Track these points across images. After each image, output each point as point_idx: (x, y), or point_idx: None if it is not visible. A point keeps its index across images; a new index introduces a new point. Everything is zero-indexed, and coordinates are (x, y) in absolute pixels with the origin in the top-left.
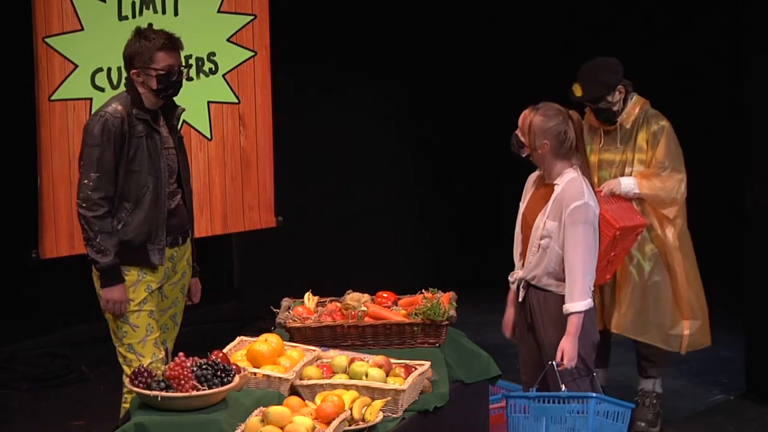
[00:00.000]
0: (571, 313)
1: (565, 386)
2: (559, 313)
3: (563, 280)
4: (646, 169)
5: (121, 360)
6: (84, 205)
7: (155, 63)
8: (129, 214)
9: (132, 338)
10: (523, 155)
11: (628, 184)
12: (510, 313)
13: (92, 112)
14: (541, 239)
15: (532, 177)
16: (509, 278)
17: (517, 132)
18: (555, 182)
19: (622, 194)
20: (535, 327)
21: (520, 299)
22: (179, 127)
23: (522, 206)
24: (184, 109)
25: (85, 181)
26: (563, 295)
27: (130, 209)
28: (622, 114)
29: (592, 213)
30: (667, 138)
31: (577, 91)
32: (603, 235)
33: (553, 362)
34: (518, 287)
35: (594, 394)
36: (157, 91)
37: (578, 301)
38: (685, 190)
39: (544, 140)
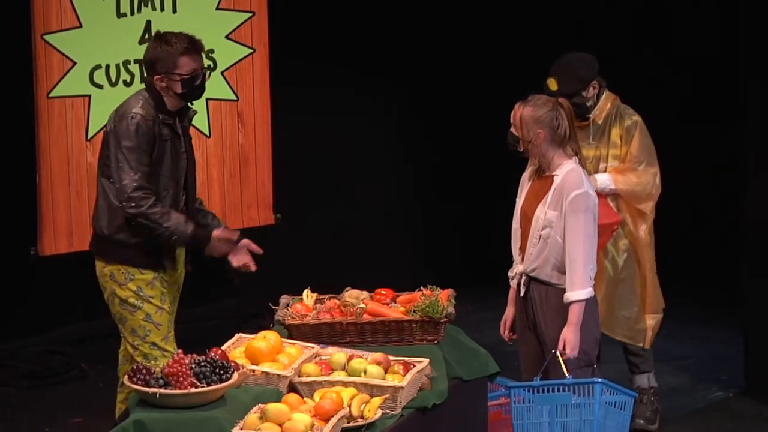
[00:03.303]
0: (573, 302)
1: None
2: (562, 307)
3: (565, 272)
4: (621, 165)
5: (140, 359)
6: (132, 204)
7: (179, 68)
8: None
9: (156, 336)
10: (521, 150)
11: (603, 180)
12: (510, 312)
13: (90, 109)
14: (542, 230)
15: (527, 172)
16: (509, 274)
17: (510, 129)
18: (554, 173)
19: (597, 191)
20: (537, 323)
21: (521, 294)
22: None
23: (519, 201)
24: (196, 111)
25: (126, 181)
26: (563, 289)
27: None
28: (594, 110)
29: (592, 202)
30: (641, 133)
31: (552, 85)
32: None
33: (556, 351)
34: (519, 282)
35: (599, 380)
36: (181, 95)
37: (579, 290)
38: (660, 184)
39: (538, 130)
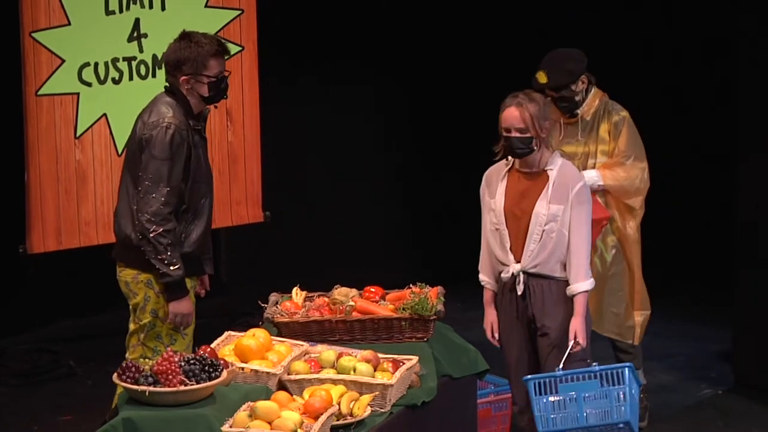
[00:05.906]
0: (578, 293)
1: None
2: (563, 299)
3: (566, 265)
4: (609, 160)
5: None
6: (153, 219)
7: (208, 70)
8: (189, 225)
9: (181, 345)
10: (536, 149)
11: (591, 177)
12: (492, 315)
13: (79, 107)
14: (545, 225)
15: (493, 173)
16: (481, 278)
17: (515, 134)
18: (547, 168)
19: None
20: (536, 317)
21: (519, 293)
22: None
23: (496, 202)
24: (209, 110)
25: (154, 195)
26: (564, 280)
27: (191, 221)
28: (582, 106)
29: (590, 193)
30: (628, 128)
31: (542, 78)
32: None
33: (572, 342)
34: (514, 281)
35: (628, 364)
36: (207, 98)
37: (584, 281)
38: (648, 179)
39: (546, 122)
